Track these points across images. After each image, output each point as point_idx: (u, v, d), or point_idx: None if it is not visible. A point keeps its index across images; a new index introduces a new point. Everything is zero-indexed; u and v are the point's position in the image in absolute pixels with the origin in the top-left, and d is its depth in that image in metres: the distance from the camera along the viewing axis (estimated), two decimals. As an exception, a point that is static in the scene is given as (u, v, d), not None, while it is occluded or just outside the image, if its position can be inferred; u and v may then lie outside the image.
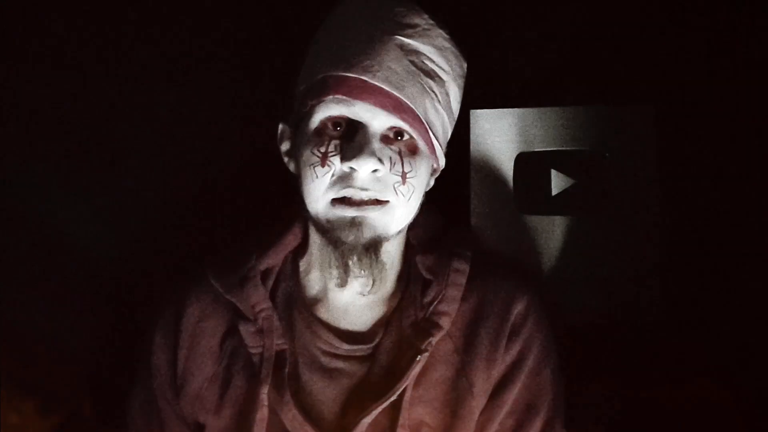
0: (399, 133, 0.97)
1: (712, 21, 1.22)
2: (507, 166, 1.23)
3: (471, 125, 1.24)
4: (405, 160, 0.97)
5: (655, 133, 1.20)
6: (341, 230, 0.95)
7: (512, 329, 1.02)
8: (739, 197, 1.21)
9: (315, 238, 1.04)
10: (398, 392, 0.97)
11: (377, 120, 0.95)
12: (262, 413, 0.98)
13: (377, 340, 1.01)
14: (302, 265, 1.07)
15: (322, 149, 0.96)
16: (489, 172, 1.23)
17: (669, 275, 1.20)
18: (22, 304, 1.25)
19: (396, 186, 0.96)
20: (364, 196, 0.95)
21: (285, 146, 1.05)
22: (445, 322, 1.00)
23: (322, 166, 0.95)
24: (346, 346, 1.01)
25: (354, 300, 1.03)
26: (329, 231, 0.97)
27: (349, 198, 0.95)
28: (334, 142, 0.96)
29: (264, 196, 1.22)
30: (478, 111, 1.24)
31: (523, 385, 1.01)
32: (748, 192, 1.20)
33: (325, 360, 1.01)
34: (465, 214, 1.24)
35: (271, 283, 1.05)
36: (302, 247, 1.08)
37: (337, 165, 0.95)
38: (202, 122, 1.34)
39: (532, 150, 1.22)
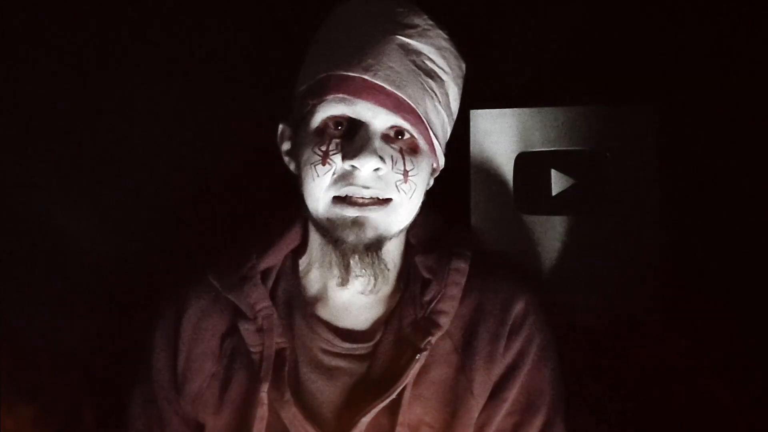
0: (400, 132, 0.97)
1: (712, 21, 1.22)
2: (507, 166, 1.22)
3: (471, 125, 1.24)
4: (406, 158, 0.97)
5: (656, 133, 1.20)
6: (342, 230, 0.96)
7: (512, 329, 1.02)
8: (739, 197, 1.21)
9: (315, 238, 1.04)
10: (398, 391, 0.97)
11: (378, 119, 0.96)
12: (262, 412, 0.98)
13: (377, 338, 1.02)
14: (302, 264, 1.07)
15: (323, 148, 0.96)
16: (489, 172, 1.23)
17: (669, 275, 1.20)
18: (21, 305, 1.25)
19: (398, 184, 0.96)
20: (366, 194, 0.95)
21: (285, 146, 1.05)
22: (445, 322, 1.00)
23: (323, 164, 0.95)
24: (345, 345, 1.01)
25: (354, 299, 1.03)
26: (330, 230, 0.97)
27: (351, 196, 0.95)
28: (335, 140, 0.96)
29: (264, 196, 1.22)
30: (478, 111, 1.24)
31: (522, 385, 1.01)
32: (748, 192, 1.20)
33: (325, 359, 1.01)
34: (465, 214, 1.24)
35: (271, 282, 1.06)
36: (302, 247, 1.08)
37: (338, 163, 0.95)
38: (202, 122, 1.34)
39: (532, 150, 1.22)
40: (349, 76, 0.95)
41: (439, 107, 1.00)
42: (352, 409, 0.98)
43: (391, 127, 0.97)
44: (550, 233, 1.21)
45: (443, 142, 1.04)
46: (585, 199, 1.20)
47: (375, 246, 0.97)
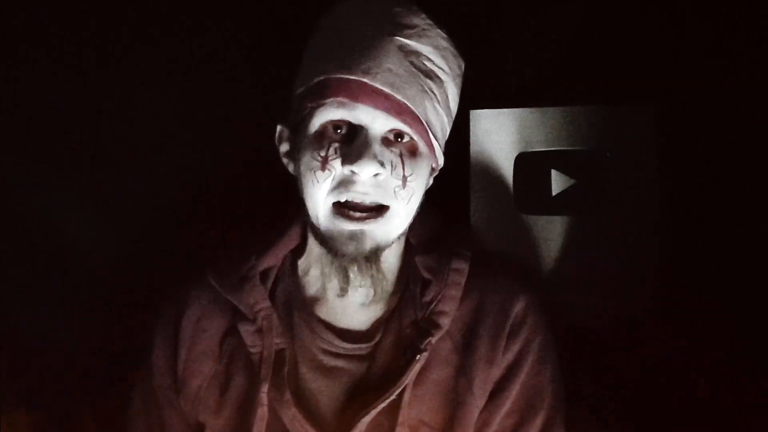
0: (399, 134, 0.97)
1: (712, 21, 1.22)
2: (507, 166, 1.22)
3: (471, 125, 1.24)
4: (405, 163, 0.97)
5: (655, 133, 1.20)
6: (341, 243, 0.95)
7: (511, 329, 1.01)
8: (739, 197, 1.21)
9: (314, 242, 1.04)
10: (398, 392, 0.96)
11: (378, 123, 0.95)
12: (262, 412, 0.98)
13: (377, 339, 1.01)
14: (301, 264, 1.07)
15: (323, 153, 0.95)
16: (489, 172, 1.23)
17: (669, 275, 1.20)
18: (21, 305, 1.25)
19: (396, 190, 0.96)
20: (366, 200, 0.95)
21: (284, 147, 1.05)
22: (445, 322, 1.00)
23: (323, 170, 0.95)
24: (345, 345, 1.01)
25: (353, 299, 1.03)
26: (329, 242, 0.97)
27: (350, 201, 0.95)
28: (335, 145, 0.95)
29: (263, 197, 1.22)
30: (478, 111, 1.24)
31: (522, 385, 1.00)
32: (748, 192, 1.20)
33: (324, 359, 1.01)
34: (465, 214, 1.24)
35: (270, 282, 1.05)
36: (301, 247, 1.08)
37: (337, 169, 0.95)
38: (202, 122, 1.34)
39: (532, 150, 1.22)
40: (347, 79, 0.94)
41: (439, 108, 0.99)
42: (352, 410, 0.98)
43: (391, 131, 0.96)
44: (550, 233, 1.21)
45: (443, 142, 1.03)
46: (585, 199, 1.20)
47: (374, 256, 0.97)
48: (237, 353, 1.03)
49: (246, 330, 1.02)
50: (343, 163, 0.94)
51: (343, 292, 1.00)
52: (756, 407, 1.15)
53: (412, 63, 0.96)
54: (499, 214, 1.23)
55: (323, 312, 1.04)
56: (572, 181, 1.21)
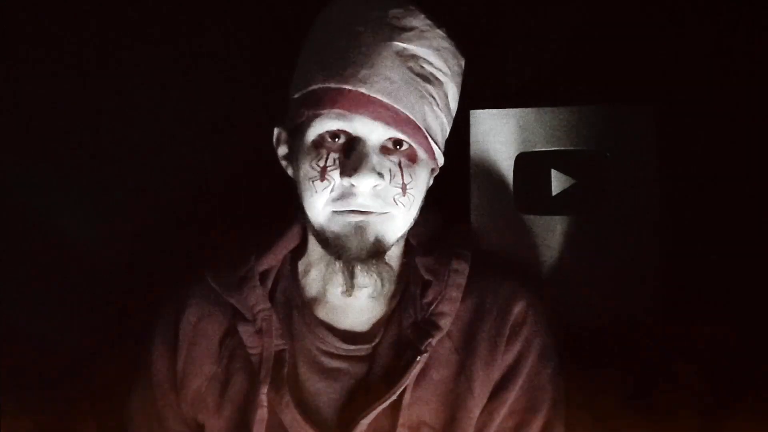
0: (398, 142, 0.97)
1: (712, 21, 1.22)
2: (507, 166, 1.22)
3: (471, 125, 1.24)
4: (405, 170, 0.96)
5: (655, 133, 1.20)
6: (346, 237, 0.95)
7: (512, 330, 1.02)
8: (739, 197, 1.20)
9: (314, 243, 1.03)
10: (398, 393, 0.97)
11: (376, 133, 0.95)
12: (262, 413, 0.98)
13: (377, 340, 1.02)
14: (301, 265, 1.07)
15: (321, 163, 0.95)
16: (489, 172, 1.23)
17: (669, 275, 1.20)
18: (21, 305, 1.25)
19: (396, 198, 0.96)
20: (365, 210, 0.95)
21: (282, 150, 1.04)
22: (445, 323, 1.00)
23: (321, 180, 0.95)
24: (345, 346, 1.01)
25: (354, 300, 1.03)
26: (332, 241, 0.96)
27: (350, 210, 0.95)
28: (333, 155, 0.95)
29: (263, 197, 1.22)
30: (478, 111, 1.23)
31: (522, 386, 1.01)
32: (748, 192, 1.20)
33: (324, 360, 1.01)
34: (465, 214, 1.24)
35: (270, 283, 1.06)
36: (301, 248, 1.08)
37: (336, 179, 0.94)
38: (201, 122, 1.34)
39: (532, 150, 1.22)
40: (344, 89, 0.93)
41: (438, 111, 0.99)
42: (352, 411, 0.98)
43: (389, 139, 0.96)
44: (550, 233, 1.21)
45: (443, 143, 1.03)
46: (585, 199, 1.20)
47: (375, 255, 0.97)
48: (236, 354, 1.03)
49: (245, 331, 1.02)
50: (342, 174, 0.94)
51: (348, 291, 1.00)
52: (756, 407, 1.15)
53: (410, 68, 0.95)
54: (499, 214, 1.23)
55: (323, 313, 1.04)
56: (572, 181, 1.21)
